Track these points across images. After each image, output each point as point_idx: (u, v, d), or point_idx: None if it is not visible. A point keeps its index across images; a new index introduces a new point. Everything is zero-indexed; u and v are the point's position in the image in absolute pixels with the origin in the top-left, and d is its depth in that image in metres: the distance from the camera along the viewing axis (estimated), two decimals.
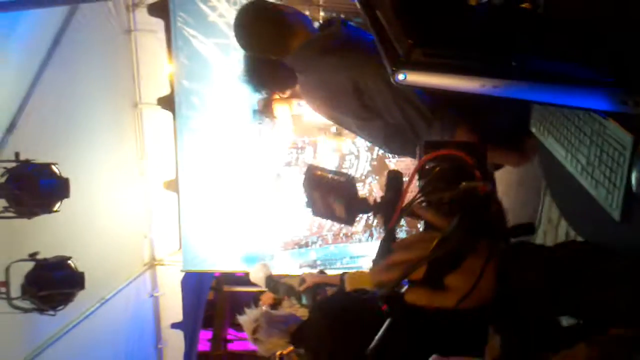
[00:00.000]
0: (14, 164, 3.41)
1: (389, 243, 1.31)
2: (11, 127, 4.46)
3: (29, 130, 4.51)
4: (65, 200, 3.69)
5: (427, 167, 1.30)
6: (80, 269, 3.81)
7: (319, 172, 1.76)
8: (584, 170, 1.60)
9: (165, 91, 6.10)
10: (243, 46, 2.84)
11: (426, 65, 1.22)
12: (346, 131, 5.04)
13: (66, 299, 3.54)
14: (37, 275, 3.48)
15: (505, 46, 1.29)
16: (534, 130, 1.93)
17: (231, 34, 5.54)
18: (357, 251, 6.44)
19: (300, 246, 6.41)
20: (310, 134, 5.93)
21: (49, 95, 4.77)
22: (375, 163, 6.11)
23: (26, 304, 3.47)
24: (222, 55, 5.74)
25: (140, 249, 6.64)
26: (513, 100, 1.32)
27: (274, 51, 2.75)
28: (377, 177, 6.17)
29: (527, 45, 1.33)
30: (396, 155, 6.02)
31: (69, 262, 3.61)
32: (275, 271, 6.32)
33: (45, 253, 3.76)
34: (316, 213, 1.86)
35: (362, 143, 6.06)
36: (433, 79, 1.24)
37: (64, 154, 4.76)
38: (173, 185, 6.35)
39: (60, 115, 5.07)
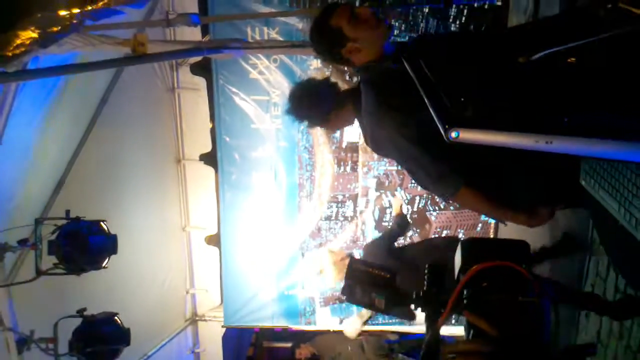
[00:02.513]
0: (64, 221, 3.47)
1: (437, 343, 1.32)
2: (60, 184, 4.58)
3: (76, 186, 4.62)
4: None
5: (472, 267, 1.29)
6: (125, 325, 3.83)
7: (363, 267, 1.77)
8: (639, 225, 1.57)
9: (208, 147, 6.22)
10: (316, 49, 2.83)
11: (480, 122, 1.24)
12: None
13: (112, 355, 3.54)
14: (85, 331, 3.51)
15: (557, 102, 1.30)
16: (583, 183, 1.91)
17: (272, 90, 5.76)
18: None
19: (341, 301, 6.37)
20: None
21: (96, 152, 4.90)
22: (416, 216, 6.08)
23: None
24: (262, 111, 5.84)
25: (182, 304, 6.66)
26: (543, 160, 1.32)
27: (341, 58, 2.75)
28: (418, 230, 6.13)
29: (578, 100, 1.33)
30: (437, 208, 6.03)
31: (116, 318, 3.63)
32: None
33: (91, 308, 3.80)
34: (353, 301, 1.87)
35: (402, 197, 6.06)
36: (486, 136, 1.25)
37: (109, 210, 4.86)
38: (215, 240, 6.41)
39: (106, 172, 5.19)
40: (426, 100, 1.39)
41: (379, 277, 1.72)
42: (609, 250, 1.95)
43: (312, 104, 3.08)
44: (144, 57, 2.65)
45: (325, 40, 2.63)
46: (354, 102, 2.77)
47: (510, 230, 3.07)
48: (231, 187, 6.06)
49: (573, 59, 1.58)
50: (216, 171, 6.14)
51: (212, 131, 6.10)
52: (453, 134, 1.25)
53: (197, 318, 6.86)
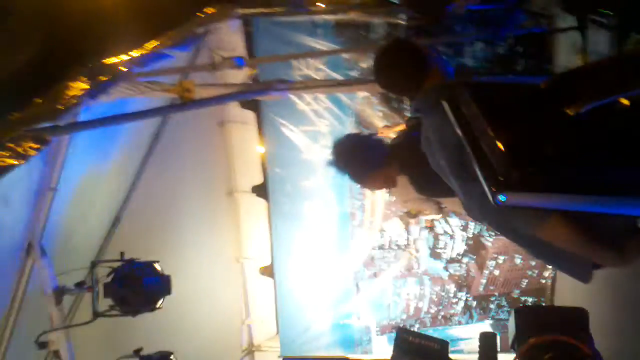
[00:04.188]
0: (119, 263, 3.52)
1: None
2: (115, 223, 4.65)
3: (131, 224, 4.69)
4: None
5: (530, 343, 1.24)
6: None
7: (411, 338, 1.73)
8: None
9: (259, 179, 6.26)
10: (379, 79, 2.82)
11: (528, 186, 1.19)
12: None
13: None
14: None
15: (610, 159, 1.24)
16: None
17: (318, 121, 5.76)
18: (457, 334, 6.24)
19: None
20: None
21: (149, 188, 4.96)
22: (471, 242, 5.97)
23: None
24: (311, 142, 5.84)
25: (238, 335, 6.67)
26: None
27: (407, 88, 2.73)
28: (473, 257, 6.01)
29: (632, 155, 1.27)
30: (492, 234, 5.90)
31: (172, 357, 3.65)
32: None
33: (147, 348, 3.83)
34: None
35: (455, 222, 5.94)
36: (534, 198, 1.20)
37: (163, 246, 4.92)
38: (269, 271, 6.41)
39: (160, 207, 5.26)
40: (473, 159, 1.34)
41: (427, 348, 1.67)
42: None
43: (357, 158, 3.05)
44: (190, 104, 2.68)
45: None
46: (401, 161, 2.72)
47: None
48: (283, 217, 6.06)
49: (626, 101, 1.50)
50: (268, 202, 6.16)
51: (263, 163, 6.15)
52: (500, 198, 1.20)
53: (254, 349, 6.86)
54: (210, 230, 6.14)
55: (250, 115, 6.14)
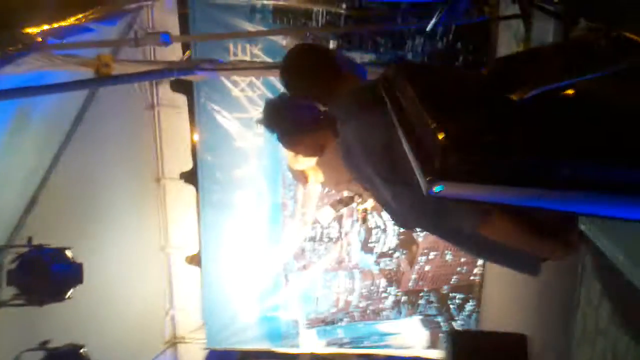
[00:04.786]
0: (26, 249, 3.27)
1: None
2: (32, 203, 4.37)
3: (48, 208, 4.41)
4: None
5: None
6: (94, 355, 3.65)
7: None
8: None
9: (188, 165, 6.05)
10: (288, 87, 2.68)
11: (464, 175, 1.06)
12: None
13: None
14: None
15: (553, 149, 1.13)
16: (582, 227, 1.74)
17: (253, 108, 5.58)
18: (386, 329, 6.21)
19: (327, 323, 6.21)
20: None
21: (70, 172, 4.69)
22: (402, 237, 5.92)
23: None
24: (244, 129, 5.67)
25: (161, 327, 6.45)
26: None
27: (319, 94, 2.59)
28: (404, 252, 5.97)
29: (577, 147, 1.16)
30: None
31: (81, 351, 3.43)
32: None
33: (59, 339, 3.61)
34: None
35: (388, 216, 5.87)
36: (472, 190, 1.08)
37: (83, 232, 4.66)
38: (195, 260, 6.24)
39: (81, 192, 4.98)
40: (405, 145, 1.21)
41: None
42: (613, 305, 1.78)
43: (288, 117, 2.90)
44: (108, 79, 2.47)
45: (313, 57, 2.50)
46: (333, 129, 2.58)
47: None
48: (212, 206, 5.89)
49: (571, 91, 1.40)
50: (197, 190, 5.98)
51: (193, 149, 5.94)
52: (435, 189, 1.07)
53: (177, 340, 6.65)
54: (135, 217, 5.88)
55: (181, 99, 5.91)
